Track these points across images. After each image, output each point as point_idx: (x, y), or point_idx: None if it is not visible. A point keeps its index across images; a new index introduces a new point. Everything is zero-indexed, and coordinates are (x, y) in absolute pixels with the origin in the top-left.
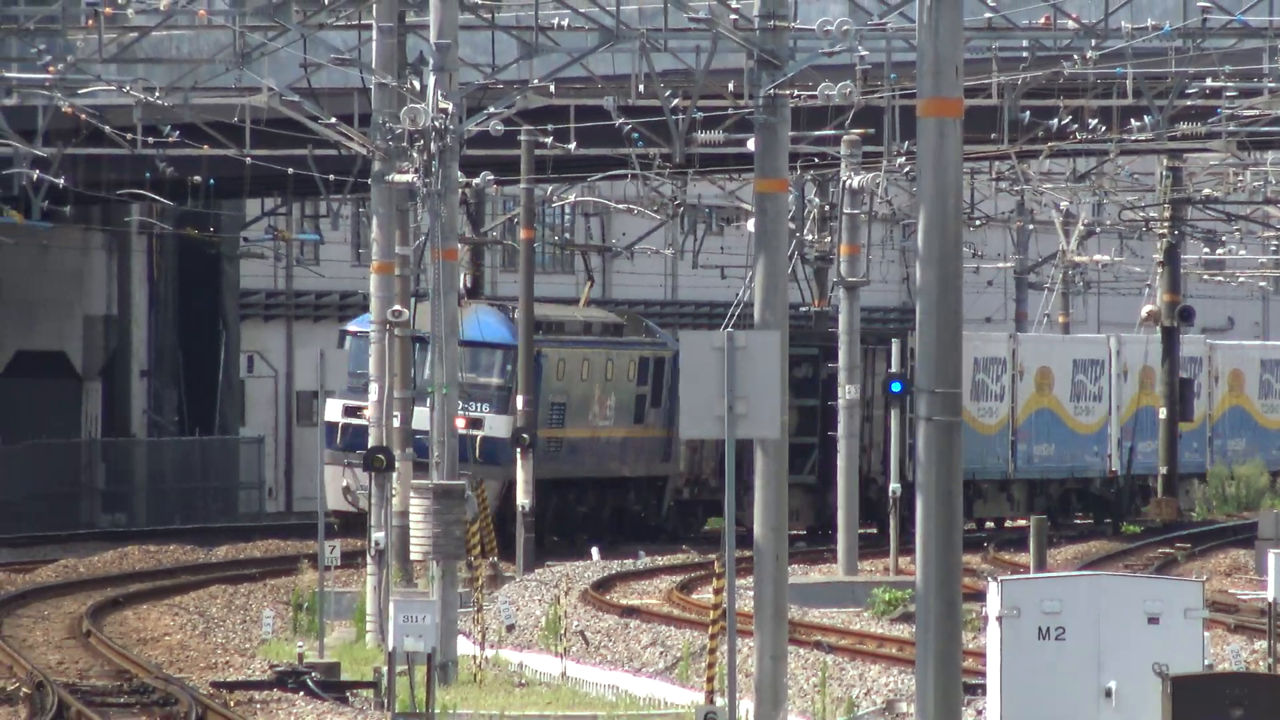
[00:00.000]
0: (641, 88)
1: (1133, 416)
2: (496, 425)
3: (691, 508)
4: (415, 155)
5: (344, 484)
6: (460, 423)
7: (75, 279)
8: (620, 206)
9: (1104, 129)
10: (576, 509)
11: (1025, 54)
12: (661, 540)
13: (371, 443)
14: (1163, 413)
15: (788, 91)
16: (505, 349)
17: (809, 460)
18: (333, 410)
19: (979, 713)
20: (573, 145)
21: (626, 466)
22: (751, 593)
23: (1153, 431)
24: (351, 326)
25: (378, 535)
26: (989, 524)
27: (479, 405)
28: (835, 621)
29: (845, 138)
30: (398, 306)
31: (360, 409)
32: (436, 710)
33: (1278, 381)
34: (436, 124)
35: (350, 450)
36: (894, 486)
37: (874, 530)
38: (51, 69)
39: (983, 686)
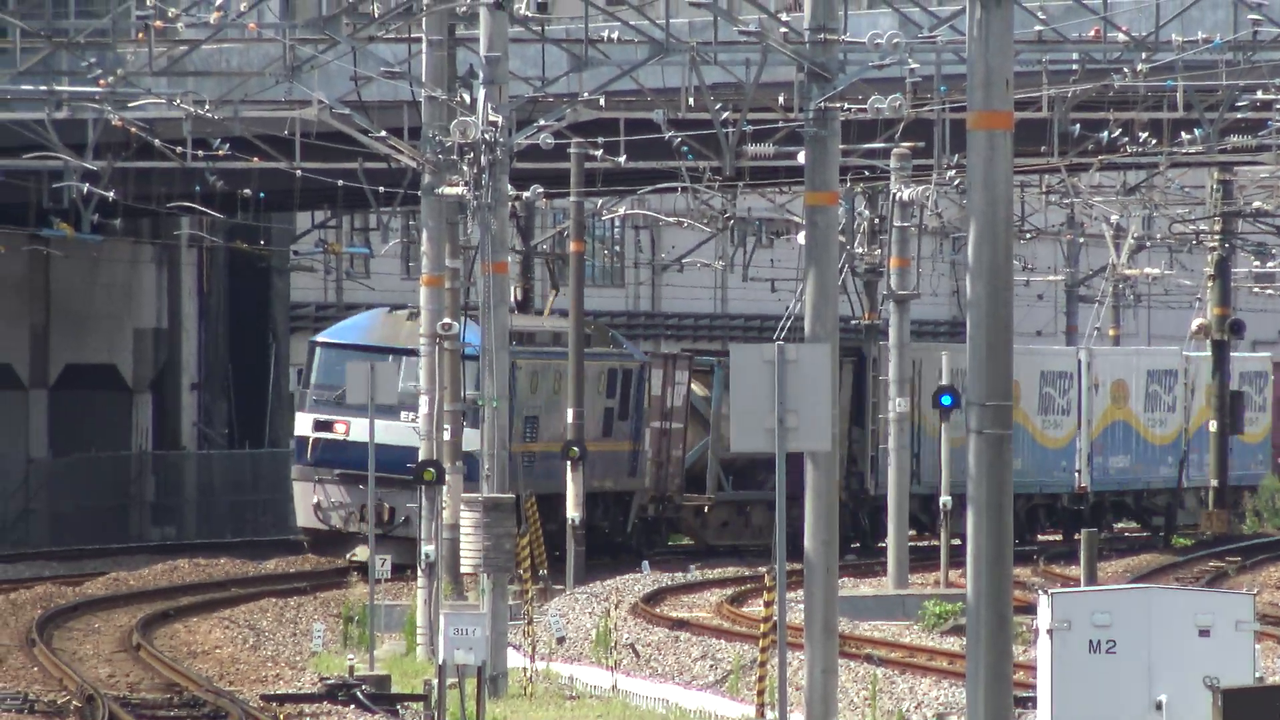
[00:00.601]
0: (691, 100)
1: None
2: (470, 439)
3: (655, 524)
4: (465, 168)
5: (315, 500)
6: None
7: (125, 292)
8: (670, 219)
9: (1154, 142)
10: (547, 526)
11: (1075, 67)
12: (624, 559)
13: (421, 456)
14: (1213, 425)
15: (838, 104)
16: (475, 360)
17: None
18: (303, 425)
19: None
20: (622, 158)
21: (595, 481)
22: (802, 606)
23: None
24: (321, 338)
25: (428, 548)
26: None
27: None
28: (886, 634)
29: (895, 150)
30: (448, 320)
31: (332, 423)
32: None
33: None
34: (486, 137)
35: (321, 466)
36: (944, 499)
37: (921, 543)
38: (102, 82)
39: (1034, 699)
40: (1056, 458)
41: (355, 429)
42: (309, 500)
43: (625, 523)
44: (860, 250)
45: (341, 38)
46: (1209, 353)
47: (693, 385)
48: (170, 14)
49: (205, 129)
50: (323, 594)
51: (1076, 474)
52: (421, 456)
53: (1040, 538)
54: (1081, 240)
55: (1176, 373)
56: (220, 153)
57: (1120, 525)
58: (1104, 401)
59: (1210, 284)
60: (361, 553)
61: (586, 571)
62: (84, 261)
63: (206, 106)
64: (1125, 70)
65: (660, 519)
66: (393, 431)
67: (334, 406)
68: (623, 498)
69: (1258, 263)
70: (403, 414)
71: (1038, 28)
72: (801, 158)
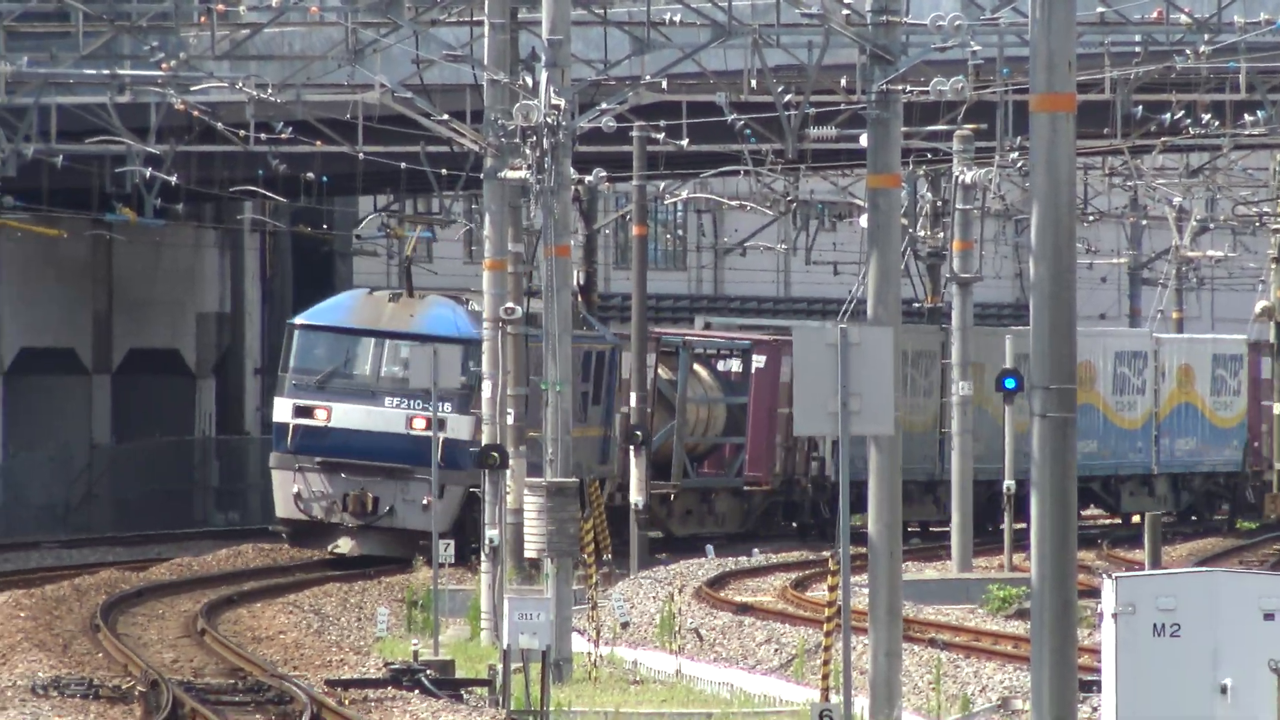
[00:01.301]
0: (754, 83)
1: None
2: (458, 426)
3: (623, 513)
4: (528, 152)
5: (295, 490)
6: (420, 423)
7: (188, 277)
8: (733, 203)
9: (1217, 124)
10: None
11: (1138, 49)
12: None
13: (485, 440)
14: (1278, 408)
15: (900, 87)
16: (466, 344)
17: (735, 462)
18: (281, 410)
19: (1094, 710)
20: (685, 141)
21: (581, 469)
22: (866, 590)
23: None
24: (300, 319)
25: (492, 533)
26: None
27: (440, 405)
28: (950, 618)
29: (958, 133)
30: (510, 304)
31: (312, 409)
32: (551, 708)
33: None
34: (549, 120)
35: (301, 454)
36: (1008, 483)
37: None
38: (164, 66)
39: (1098, 683)
40: (1132, 439)
41: (337, 414)
42: (288, 490)
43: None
44: (923, 233)
45: (404, 21)
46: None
47: (659, 369)
48: None
49: (268, 112)
50: (387, 578)
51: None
52: (485, 441)
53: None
54: (1144, 222)
55: (1240, 358)
56: (283, 136)
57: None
58: (1170, 385)
59: (1274, 266)
60: (344, 545)
61: (649, 557)
62: (147, 246)
63: (269, 90)
64: (1188, 52)
65: (627, 507)
66: (377, 418)
67: (314, 391)
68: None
69: None
70: (387, 400)
71: (1100, 9)
72: (864, 140)
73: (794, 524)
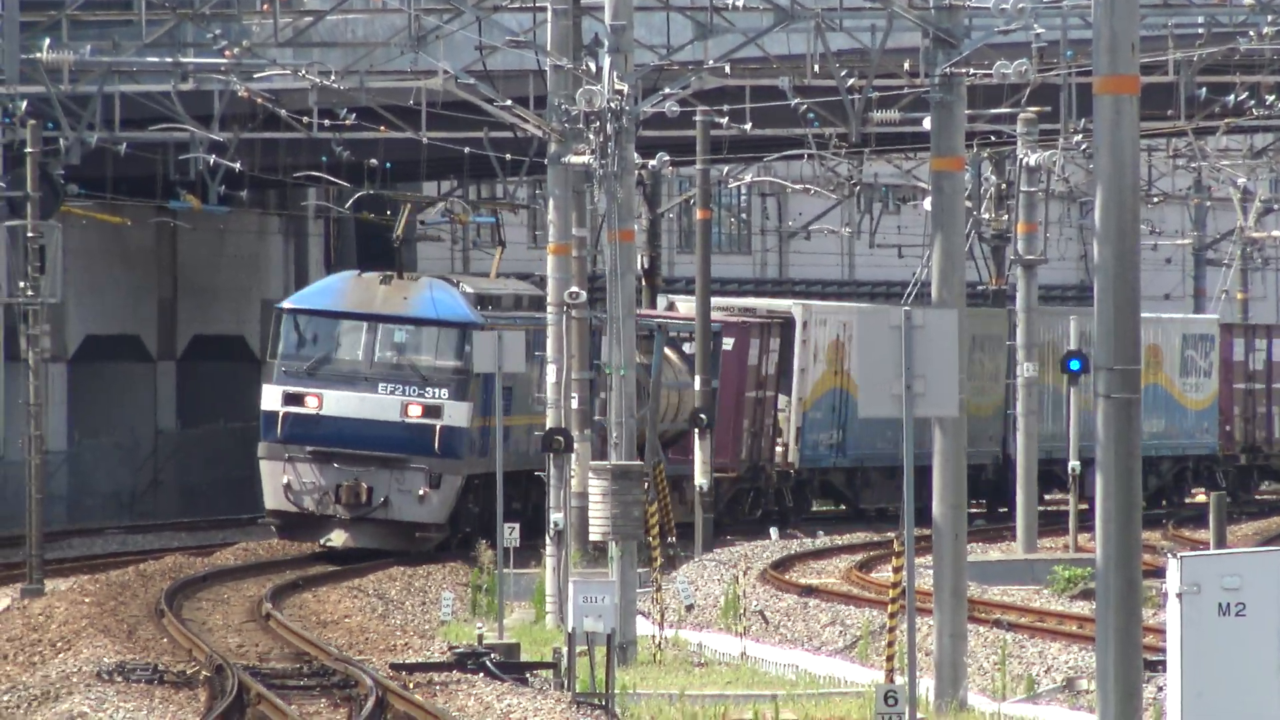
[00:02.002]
0: (817, 67)
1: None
2: (455, 413)
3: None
4: (591, 137)
5: (285, 481)
6: (416, 410)
7: (252, 263)
8: (796, 186)
9: None
10: (511, 505)
11: (1201, 30)
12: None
13: (549, 424)
14: None
15: (963, 70)
16: (463, 328)
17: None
18: (271, 398)
19: (1159, 690)
20: (748, 126)
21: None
22: (930, 571)
23: None
24: (288, 304)
25: (556, 516)
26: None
27: (436, 390)
28: (1014, 599)
29: (1021, 115)
30: (575, 288)
31: (303, 396)
32: (616, 690)
33: None
34: (612, 105)
35: (291, 443)
36: (1073, 464)
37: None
38: (228, 54)
39: (1163, 663)
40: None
41: (329, 402)
42: (278, 480)
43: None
44: (987, 215)
45: (466, 7)
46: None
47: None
48: None
49: (331, 99)
50: (451, 562)
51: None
52: (549, 425)
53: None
54: (1208, 204)
55: (1212, 339)
56: (346, 123)
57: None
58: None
59: None
60: (337, 538)
61: (714, 542)
62: (211, 233)
63: (332, 77)
64: (1251, 33)
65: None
66: (370, 405)
67: (305, 378)
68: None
69: None
70: (381, 386)
71: None
72: (927, 123)
73: (759, 512)
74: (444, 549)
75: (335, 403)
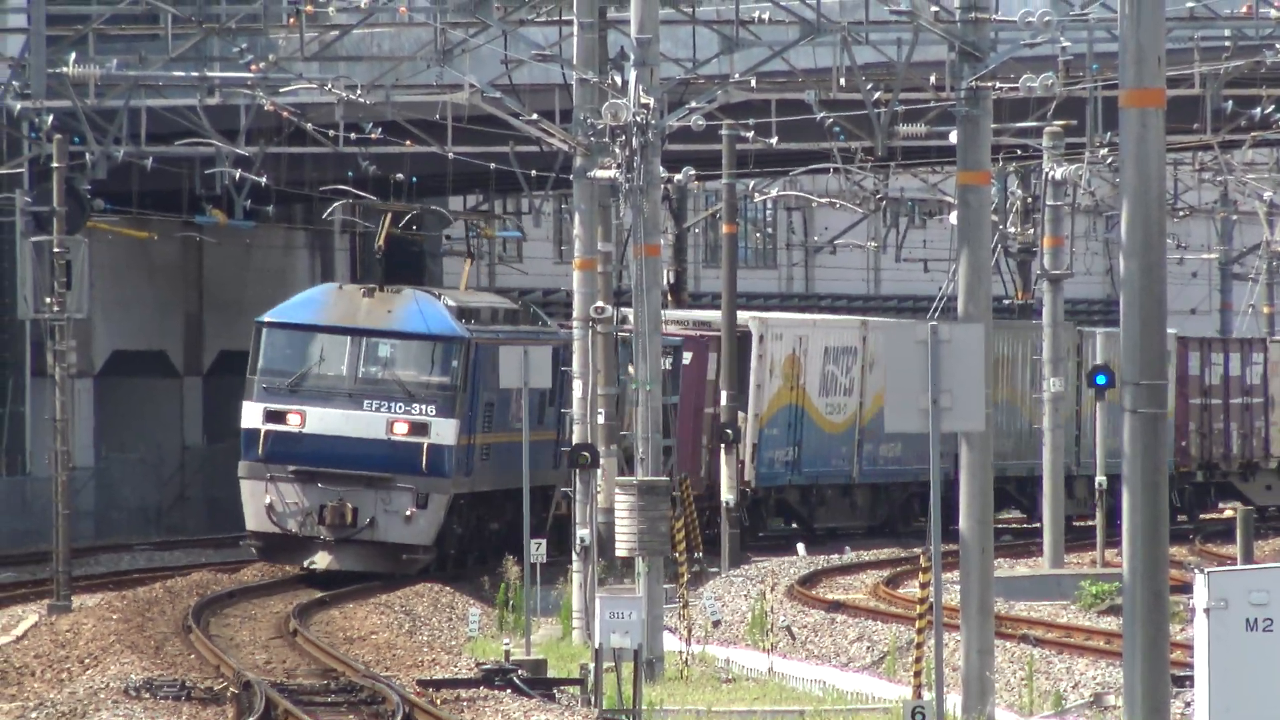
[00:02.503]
0: (843, 81)
1: None
2: (442, 431)
3: (562, 521)
4: (617, 151)
5: (267, 501)
6: (402, 427)
7: (278, 278)
8: (822, 201)
9: None
10: (489, 526)
11: (1227, 43)
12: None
13: (575, 439)
14: None
15: (990, 83)
16: (451, 342)
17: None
18: (251, 415)
19: (1187, 705)
20: (774, 139)
21: (513, 475)
22: (958, 587)
23: None
24: (268, 317)
25: (583, 532)
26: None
27: (422, 407)
28: (1042, 614)
29: (1047, 129)
30: (601, 303)
31: (284, 414)
32: (643, 706)
33: None
34: (638, 119)
35: (273, 462)
36: (1100, 479)
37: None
38: (254, 68)
39: (1190, 678)
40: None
41: (311, 419)
42: (260, 501)
43: (545, 522)
44: (1013, 229)
45: (492, 21)
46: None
47: None
48: None
49: (357, 113)
50: (478, 579)
51: None
52: (575, 440)
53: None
54: (1235, 217)
55: (1168, 353)
56: (372, 137)
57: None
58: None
59: None
60: (321, 560)
61: (740, 555)
62: (237, 248)
63: (358, 91)
64: (1278, 46)
65: (565, 517)
66: (355, 422)
67: (286, 395)
68: (546, 493)
69: None
70: (366, 403)
71: (1190, 4)
72: (953, 137)
73: (713, 532)
74: (426, 572)
75: (318, 420)
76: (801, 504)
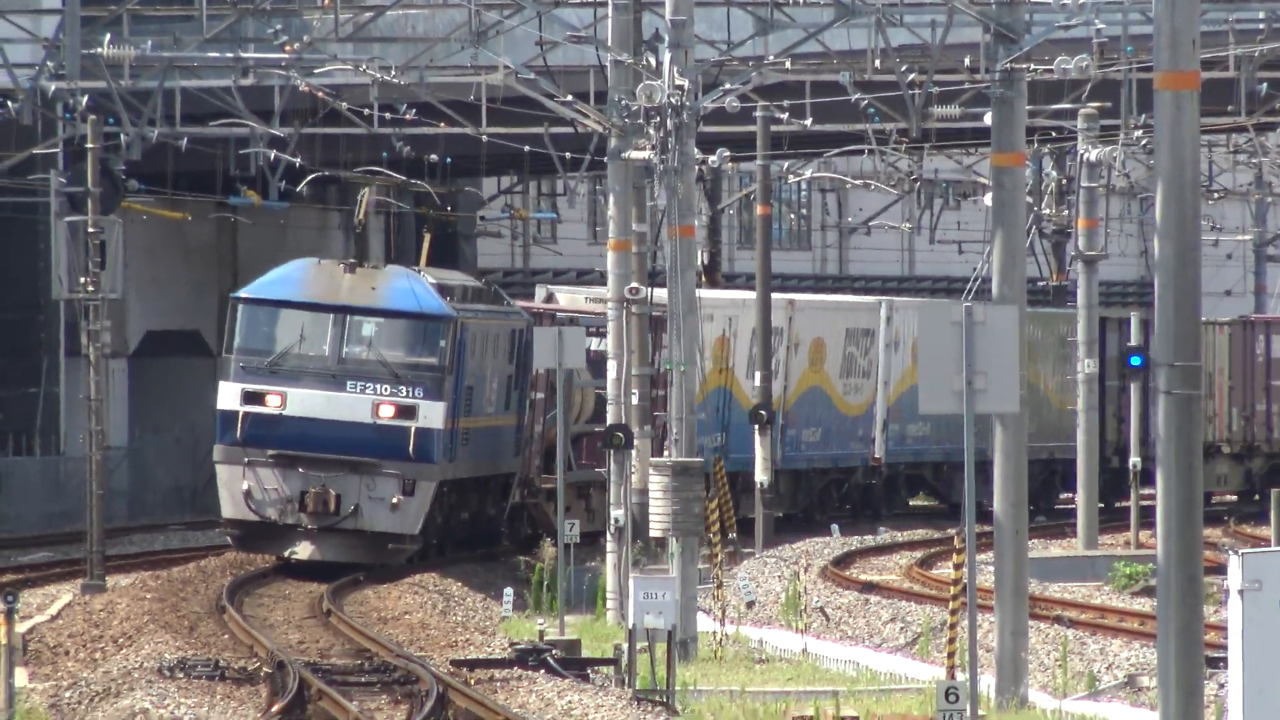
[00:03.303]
0: (878, 62)
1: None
2: (430, 414)
3: (518, 511)
4: (651, 132)
5: (245, 487)
6: (388, 410)
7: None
8: (857, 182)
9: None
10: (460, 514)
11: (1262, 25)
12: (501, 550)
13: (610, 420)
14: None
15: (1024, 65)
16: (439, 321)
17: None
18: (228, 396)
19: (1221, 686)
20: (809, 121)
21: (503, 462)
22: (991, 568)
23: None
24: (245, 293)
25: (617, 513)
26: None
27: (409, 389)
28: (1075, 596)
29: (1082, 111)
30: (635, 284)
31: (264, 395)
32: (677, 687)
33: None
34: (672, 101)
35: (251, 445)
36: (1134, 460)
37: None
38: (288, 49)
39: (1224, 660)
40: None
41: (292, 401)
42: (238, 487)
43: (502, 513)
44: (1047, 211)
45: (527, 2)
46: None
47: None
48: None
49: (391, 94)
50: (513, 559)
51: None
52: (610, 421)
53: None
54: (1269, 199)
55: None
56: (406, 118)
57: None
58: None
59: None
60: (303, 549)
61: (774, 536)
62: (271, 229)
63: (393, 72)
64: None
65: (524, 506)
66: (338, 404)
67: (266, 375)
68: (507, 481)
69: None
70: (350, 384)
71: None
72: (988, 119)
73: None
74: (413, 562)
75: (299, 402)
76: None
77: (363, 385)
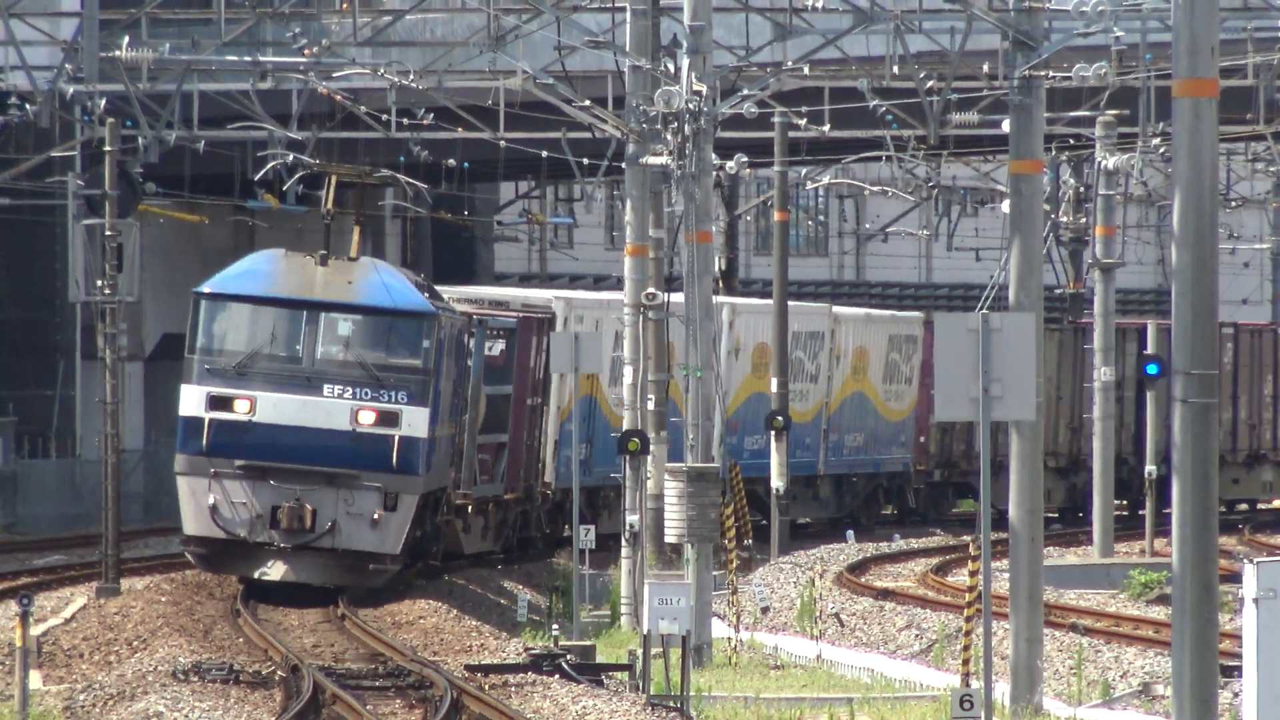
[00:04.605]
0: (896, 69)
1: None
2: (414, 421)
3: (438, 531)
4: (669, 138)
5: (210, 502)
6: (368, 416)
7: None
8: (874, 189)
9: None
10: (418, 530)
11: None
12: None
13: (626, 426)
14: None
15: (1042, 72)
16: (422, 318)
17: (499, 464)
18: (191, 401)
19: (1236, 695)
20: (826, 127)
21: (447, 474)
22: (1006, 575)
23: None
24: (208, 288)
25: (632, 518)
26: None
27: (391, 393)
28: (1090, 604)
29: (1100, 119)
30: (652, 289)
31: (231, 400)
32: (691, 693)
33: None
34: (690, 106)
35: (218, 455)
36: (1150, 468)
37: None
38: (306, 52)
39: (1239, 668)
40: (801, 434)
41: (263, 407)
42: (202, 501)
43: (437, 532)
44: (1065, 219)
45: (545, 7)
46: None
47: None
48: None
49: (409, 99)
50: (528, 564)
51: None
52: (625, 426)
53: None
54: None
55: (915, 340)
56: (424, 123)
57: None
58: (845, 370)
59: None
60: (275, 570)
61: (789, 542)
62: (288, 232)
63: (411, 76)
64: None
65: (442, 524)
66: (313, 410)
67: (233, 378)
68: (441, 497)
69: None
70: (326, 388)
71: None
72: (1006, 126)
73: (523, 536)
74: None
75: (271, 407)
76: (588, 507)
77: (340, 389)
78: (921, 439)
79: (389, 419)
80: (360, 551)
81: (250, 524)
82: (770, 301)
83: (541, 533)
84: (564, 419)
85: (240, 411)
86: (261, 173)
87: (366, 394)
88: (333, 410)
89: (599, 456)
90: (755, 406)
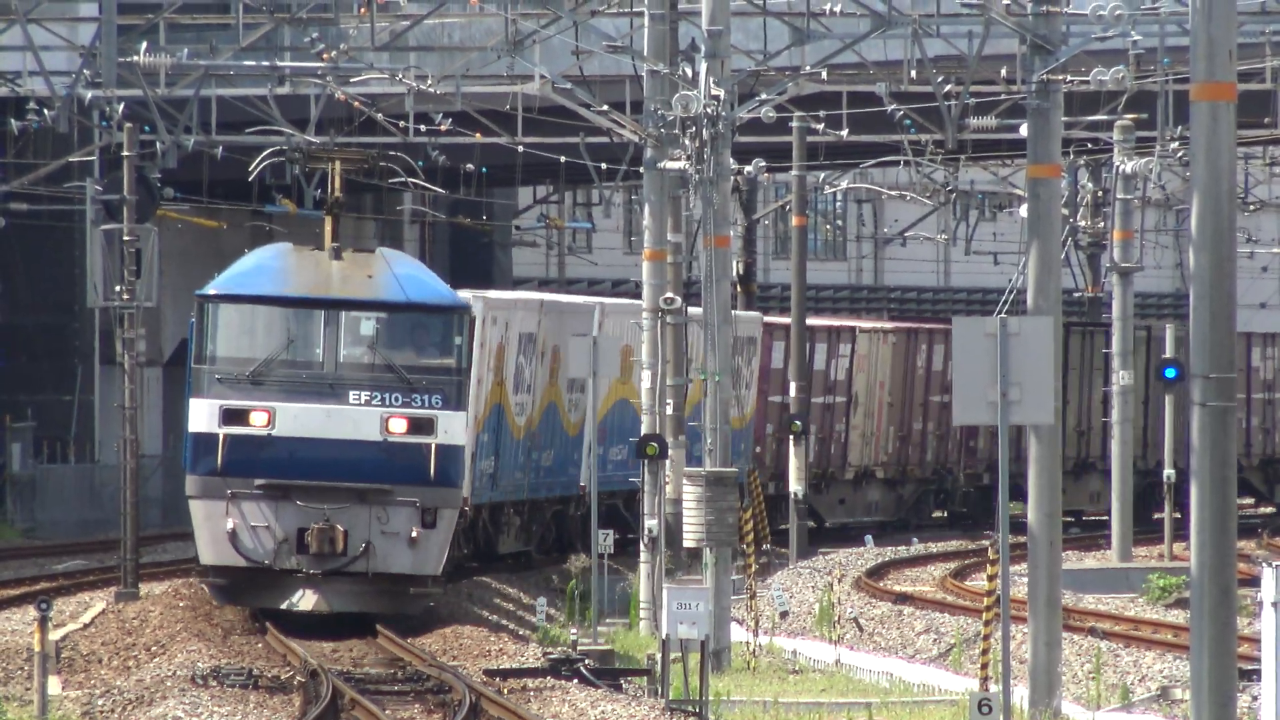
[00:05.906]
0: (914, 73)
1: None
2: (450, 427)
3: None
4: (687, 142)
5: (229, 527)
6: (400, 424)
7: None
8: (892, 193)
9: None
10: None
11: None
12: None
13: (644, 430)
14: None
15: (1060, 76)
16: (452, 312)
17: None
18: (202, 415)
19: (1254, 698)
20: (845, 131)
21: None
22: (1025, 579)
23: None
24: (214, 289)
25: (651, 523)
26: None
27: (425, 398)
28: (1109, 607)
29: (1118, 123)
30: (670, 294)
31: (247, 413)
32: (710, 697)
33: None
34: (708, 111)
35: (234, 474)
36: (1168, 472)
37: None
38: (324, 57)
39: (1258, 672)
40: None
41: (282, 419)
42: (219, 527)
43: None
44: (1083, 223)
45: (563, 12)
46: None
47: None
48: None
49: (427, 104)
50: (547, 569)
51: None
52: (644, 430)
53: None
54: None
55: (755, 341)
56: (442, 128)
57: None
58: None
59: None
60: (306, 600)
61: (808, 547)
62: (306, 237)
63: (429, 81)
64: None
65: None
66: (339, 420)
67: (248, 388)
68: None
69: None
70: (353, 395)
71: None
72: (1024, 130)
73: (465, 549)
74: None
75: (291, 419)
76: (491, 523)
77: (367, 395)
78: (758, 448)
79: (423, 426)
80: (398, 574)
81: (274, 550)
82: (638, 302)
83: (470, 549)
84: (479, 430)
85: (257, 425)
86: (256, 164)
87: (397, 399)
88: (360, 419)
89: (503, 470)
90: (620, 415)
